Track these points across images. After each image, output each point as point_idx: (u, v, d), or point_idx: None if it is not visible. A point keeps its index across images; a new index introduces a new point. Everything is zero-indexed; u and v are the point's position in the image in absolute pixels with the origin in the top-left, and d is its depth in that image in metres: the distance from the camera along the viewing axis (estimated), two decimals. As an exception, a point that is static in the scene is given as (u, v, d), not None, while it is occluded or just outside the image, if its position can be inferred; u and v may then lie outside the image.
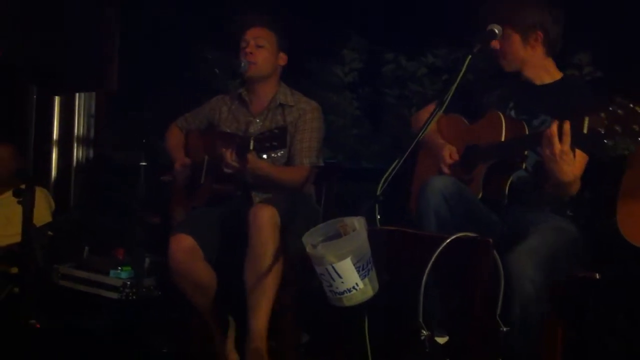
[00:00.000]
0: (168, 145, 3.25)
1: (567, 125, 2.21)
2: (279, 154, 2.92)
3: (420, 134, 2.36)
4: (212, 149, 2.98)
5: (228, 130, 3.08)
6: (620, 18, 3.20)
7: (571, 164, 2.27)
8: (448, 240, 2.04)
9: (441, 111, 2.42)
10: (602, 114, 2.09)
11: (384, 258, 2.14)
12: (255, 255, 2.68)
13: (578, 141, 2.25)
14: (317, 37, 3.92)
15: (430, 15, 3.81)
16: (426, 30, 3.82)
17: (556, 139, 2.22)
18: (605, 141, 2.11)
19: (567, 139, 2.21)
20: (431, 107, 2.72)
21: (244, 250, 2.74)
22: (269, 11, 3.16)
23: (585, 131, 2.15)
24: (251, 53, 3.00)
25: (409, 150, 2.28)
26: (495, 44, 2.55)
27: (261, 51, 3.02)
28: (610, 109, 2.08)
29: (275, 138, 2.61)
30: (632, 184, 2.44)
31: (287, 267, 2.74)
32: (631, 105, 2.05)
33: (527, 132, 2.49)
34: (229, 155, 2.74)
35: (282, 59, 3.08)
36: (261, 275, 2.66)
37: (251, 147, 2.65)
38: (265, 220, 2.67)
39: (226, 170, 2.80)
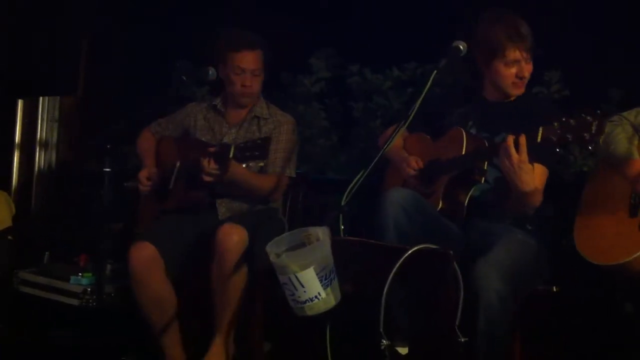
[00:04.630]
0: (139, 150, 3.22)
1: (522, 137, 2.28)
2: (260, 164, 2.92)
3: (387, 145, 2.39)
4: (185, 156, 2.98)
5: (203, 139, 3.07)
6: (589, 38, 3.28)
7: (530, 172, 2.32)
8: (409, 252, 2.07)
9: (406, 125, 2.45)
10: (555, 124, 2.17)
11: (347, 268, 2.16)
12: (222, 276, 2.70)
13: (533, 151, 2.31)
14: (286, 46, 3.94)
15: (398, 28, 3.85)
16: (392, 44, 3.87)
17: (513, 150, 2.29)
18: (557, 150, 2.18)
19: (524, 148, 2.28)
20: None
21: (208, 262, 2.74)
22: (244, 26, 3.15)
23: (538, 140, 2.23)
24: (250, 85, 3.00)
25: (374, 162, 2.32)
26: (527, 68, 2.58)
27: (256, 80, 3.02)
28: (563, 119, 2.15)
29: (257, 148, 2.62)
30: (590, 201, 2.50)
31: (252, 280, 2.75)
32: (582, 115, 2.12)
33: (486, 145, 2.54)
34: (208, 163, 2.73)
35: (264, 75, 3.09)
36: (228, 296, 2.70)
37: (231, 155, 2.64)
38: (233, 243, 2.69)
39: (205, 178, 2.79)
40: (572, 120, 2.14)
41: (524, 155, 2.28)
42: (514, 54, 2.54)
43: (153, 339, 2.87)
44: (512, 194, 2.41)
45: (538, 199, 2.45)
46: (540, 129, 2.22)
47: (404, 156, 2.73)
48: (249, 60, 2.99)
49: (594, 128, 2.10)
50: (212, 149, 2.75)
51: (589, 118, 2.11)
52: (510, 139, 2.29)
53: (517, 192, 2.38)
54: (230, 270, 2.67)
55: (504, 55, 2.54)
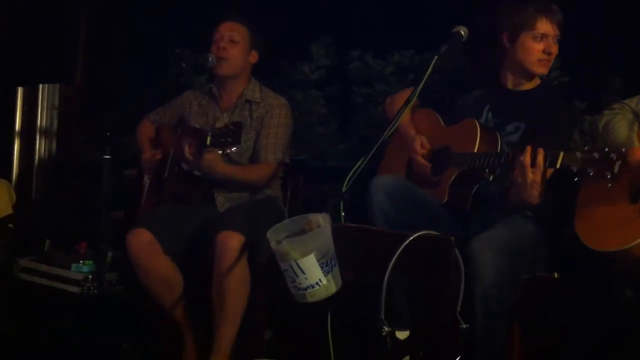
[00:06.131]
0: (138, 138, 3.23)
1: (540, 157, 2.22)
2: (233, 150, 2.89)
3: (387, 133, 2.39)
4: (177, 144, 2.97)
5: (197, 125, 3.06)
6: (588, 24, 3.27)
7: (538, 189, 2.28)
8: (410, 238, 2.07)
9: (414, 97, 2.41)
10: (578, 153, 2.10)
11: (348, 255, 2.16)
12: (220, 283, 2.69)
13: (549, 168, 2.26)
14: (285, 34, 3.93)
15: (399, 14, 3.85)
16: (394, 29, 3.86)
17: (529, 168, 2.23)
18: (576, 179, 2.13)
19: (540, 169, 2.23)
20: (405, 93, 2.65)
21: (208, 249, 2.74)
22: (242, 9, 3.16)
23: (557, 166, 2.17)
24: (224, 48, 2.98)
25: (375, 148, 2.31)
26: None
27: (234, 47, 2.99)
28: (586, 148, 2.09)
29: (229, 134, 2.59)
30: (591, 188, 2.49)
31: (253, 268, 2.75)
32: (607, 150, 2.06)
33: (499, 144, 2.51)
34: (187, 149, 2.74)
35: (254, 57, 3.06)
36: (225, 303, 2.69)
37: (208, 142, 2.63)
38: (231, 248, 2.67)
39: (184, 166, 2.80)
40: (595, 153, 2.07)
41: (538, 176, 2.23)
42: (545, 26, 2.51)
43: (158, 321, 2.88)
44: (513, 195, 2.38)
45: (536, 202, 2.39)
46: (561, 154, 2.16)
47: (411, 134, 2.70)
48: (227, 28, 3.01)
49: (616, 168, 2.04)
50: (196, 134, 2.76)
51: (613, 156, 2.05)
52: (528, 156, 2.23)
53: (519, 200, 2.35)
54: (229, 275, 2.66)
55: (534, 28, 2.50)
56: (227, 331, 2.72)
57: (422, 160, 2.63)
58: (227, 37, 2.99)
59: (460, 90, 2.74)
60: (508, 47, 2.59)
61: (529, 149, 2.25)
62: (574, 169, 2.11)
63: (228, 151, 2.69)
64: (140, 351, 2.97)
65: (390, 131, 2.38)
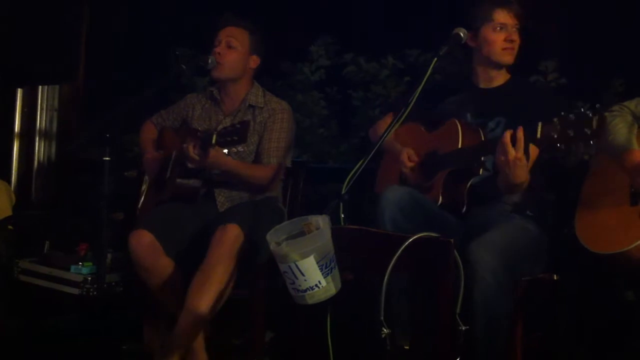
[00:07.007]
0: (141, 139, 3.24)
1: (520, 132, 2.24)
2: (239, 149, 2.90)
3: (386, 133, 2.39)
4: (180, 145, 2.98)
5: (200, 128, 3.07)
6: (585, 27, 3.27)
7: (524, 167, 2.30)
8: (410, 240, 2.07)
9: (400, 121, 2.44)
10: (555, 120, 2.12)
11: (347, 256, 2.16)
12: (206, 267, 2.68)
13: (532, 143, 2.28)
14: (286, 34, 3.93)
15: (395, 16, 3.85)
16: (392, 30, 3.87)
17: (510, 147, 2.25)
18: (559, 145, 2.13)
19: (521, 145, 2.25)
20: (388, 118, 2.78)
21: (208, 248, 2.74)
22: (244, 13, 3.16)
23: (538, 136, 2.19)
24: (219, 53, 2.99)
25: (374, 150, 2.32)
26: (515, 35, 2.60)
27: (231, 52, 3.00)
28: (562, 113, 2.11)
29: (236, 132, 2.60)
30: (591, 189, 2.50)
31: (253, 273, 2.75)
32: (582, 110, 2.08)
33: (483, 138, 2.52)
34: (191, 149, 2.74)
35: (254, 61, 3.06)
36: (201, 295, 2.67)
37: (214, 141, 2.64)
38: (226, 241, 2.67)
39: (189, 165, 2.80)
40: (571, 115, 2.09)
41: (520, 152, 2.25)
42: (502, 16, 2.57)
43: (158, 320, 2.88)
44: (502, 180, 2.40)
45: (525, 185, 2.40)
46: (539, 124, 2.18)
47: (398, 148, 2.73)
48: (226, 33, 3.02)
49: (594, 123, 2.05)
50: (199, 134, 2.77)
51: (589, 113, 2.06)
52: (508, 136, 2.26)
53: (507, 182, 2.36)
54: (217, 261, 2.66)
55: (492, 19, 2.57)
56: (190, 322, 2.67)
57: (410, 174, 2.64)
58: (225, 43, 3.00)
59: (441, 97, 2.75)
60: (473, 45, 2.65)
61: (508, 131, 2.27)
62: (554, 135, 2.11)
63: (234, 149, 2.68)
64: (140, 352, 2.97)
65: (389, 132, 2.38)
